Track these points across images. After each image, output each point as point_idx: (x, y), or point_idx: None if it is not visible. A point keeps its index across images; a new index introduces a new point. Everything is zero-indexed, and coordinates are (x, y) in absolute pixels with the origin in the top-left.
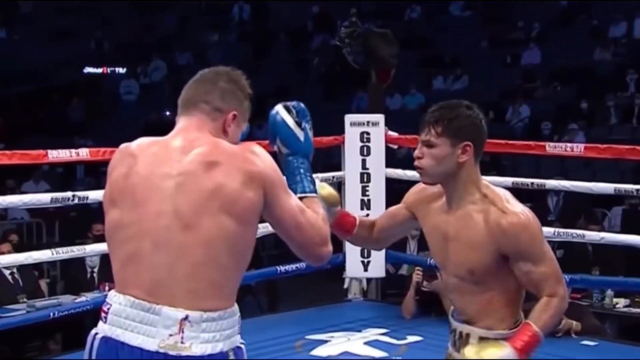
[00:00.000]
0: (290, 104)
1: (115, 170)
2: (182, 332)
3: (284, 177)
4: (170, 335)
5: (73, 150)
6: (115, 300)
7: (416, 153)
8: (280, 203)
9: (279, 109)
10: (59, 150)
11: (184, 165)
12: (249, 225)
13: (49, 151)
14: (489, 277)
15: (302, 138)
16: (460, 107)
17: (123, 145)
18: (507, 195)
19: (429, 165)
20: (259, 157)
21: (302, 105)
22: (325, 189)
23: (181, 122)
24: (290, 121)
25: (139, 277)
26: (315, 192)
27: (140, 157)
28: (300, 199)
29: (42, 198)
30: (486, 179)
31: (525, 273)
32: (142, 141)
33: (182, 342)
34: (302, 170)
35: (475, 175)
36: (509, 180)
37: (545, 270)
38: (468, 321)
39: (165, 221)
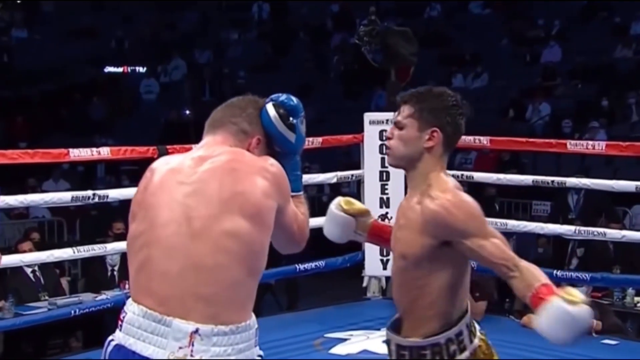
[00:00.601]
0: (280, 99)
1: (139, 187)
2: (192, 345)
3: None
4: (180, 347)
5: (94, 149)
6: (130, 309)
7: (387, 133)
8: (285, 212)
9: (268, 108)
10: (80, 149)
11: (199, 174)
12: (267, 230)
13: (71, 150)
14: (421, 267)
15: (291, 139)
16: (436, 92)
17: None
18: (451, 186)
19: (395, 146)
20: (275, 167)
21: (292, 100)
22: (356, 206)
23: (205, 139)
24: (278, 122)
25: (150, 286)
26: (301, 189)
27: (157, 170)
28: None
29: (63, 196)
30: (506, 177)
31: (479, 247)
32: (165, 157)
33: (191, 355)
34: (296, 171)
35: (438, 165)
36: (529, 178)
37: (495, 242)
38: (401, 315)
39: (175, 228)
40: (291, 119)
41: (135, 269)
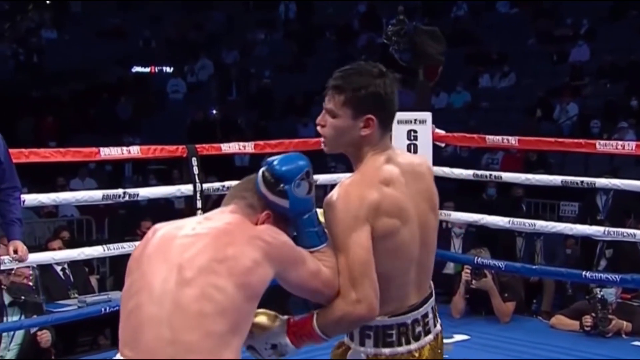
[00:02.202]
0: (270, 165)
1: (139, 244)
2: None
3: (297, 249)
4: None
5: (124, 148)
6: None
7: (318, 120)
8: (292, 275)
9: (258, 179)
10: (111, 148)
11: (197, 231)
12: (252, 299)
13: (101, 149)
14: None
15: (284, 204)
16: (367, 74)
17: None
18: (370, 178)
19: (330, 135)
20: (271, 237)
21: (284, 165)
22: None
23: (217, 209)
24: (266, 191)
25: (135, 334)
26: (323, 241)
27: (159, 229)
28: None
29: (94, 195)
30: (535, 177)
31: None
32: (170, 222)
33: None
34: (304, 228)
35: (372, 151)
36: (558, 178)
37: (341, 261)
38: None
39: (165, 274)
40: (282, 185)
41: (124, 317)
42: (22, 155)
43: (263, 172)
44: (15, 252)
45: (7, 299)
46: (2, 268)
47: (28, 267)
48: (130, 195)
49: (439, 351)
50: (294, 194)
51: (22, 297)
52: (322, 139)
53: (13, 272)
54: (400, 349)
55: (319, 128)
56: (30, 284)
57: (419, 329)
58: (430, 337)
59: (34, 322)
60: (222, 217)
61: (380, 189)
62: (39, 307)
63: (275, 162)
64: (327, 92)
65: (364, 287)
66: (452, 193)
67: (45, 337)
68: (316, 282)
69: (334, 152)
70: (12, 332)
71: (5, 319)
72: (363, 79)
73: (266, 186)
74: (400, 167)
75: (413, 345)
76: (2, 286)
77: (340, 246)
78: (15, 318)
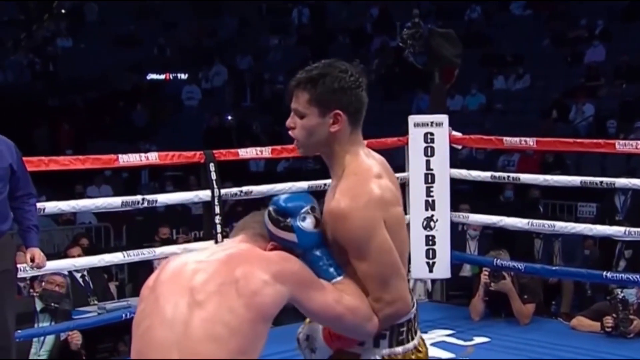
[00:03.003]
0: (275, 202)
1: (153, 274)
2: None
3: (314, 276)
4: None
5: (142, 155)
6: None
7: (288, 122)
8: (310, 303)
9: (265, 218)
10: (129, 155)
11: (209, 257)
12: (263, 320)
13: (120, 156)
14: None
15: (292, 239)
16: (330, 70)
17: None
18: (364, 174)
19: (301, 136)
20: (287, 261)
21: (288, 201)
22: None
23: (227, 240)
24: (272, 227)
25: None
26: (339, 274)
27: (173, 259)
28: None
29: (113, 202)
30: (553, 178)
31: (352, 265)
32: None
33: None
34: (317, 263)
35: (349, 145)
36: (577, 179)
37: (366, 269)
38: None
39: (176, 298)
40: (288, 220)
41: (135, 339)
42: (42, 163)
43: (269, 210)
44: (32, 259)
45: (39, 305)
46: (22, 275)
47: (60, 274)
48: (149, 201)
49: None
50: (300, 228)
51: (53, 304)
52: (294, 144)
53: (45, 279)
54: (409, 345)
55: (290, 131)
56: (62, 291)
57: (417, 322)
58: (415, 342)
59: (56, 329)
60: (232, 244)
61: (379, 183)
62: (68, 315)
63: (279, 199)
64: (292, 92)
65: (396, 288)
66: (467, 195)
67: (76, 338)
68: (340, 307)
69: (309, 155)
70: (42, 338)
71: (36, 325)
72: (326, 75)
73: (272, 222)
74: (377, 160)
75: (417, 340)
76: (35, 293)
77: (363, 253)
78: (46, 324)
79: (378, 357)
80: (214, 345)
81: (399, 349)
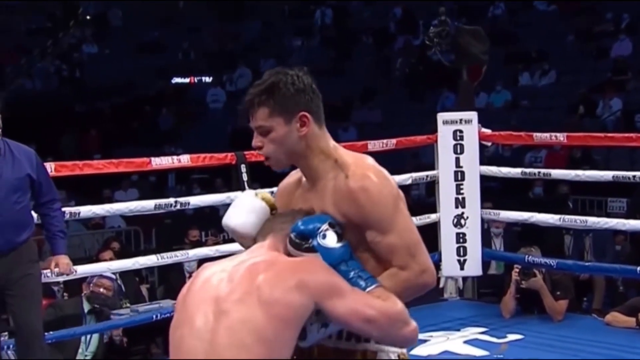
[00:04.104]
0: (294, 229)
1: (185, 285)
2: None
3: (341, 282)
4: None
5: (174, 157)
6: None
7: (254, 143)
8: (337, 310)
9: (288, 246)
10: (162, 158)
11: (235, 266)
12: (288, 327)
13: (152, 159)
14: None
15: (320, 257)
16: (279, 77)
17: None
18: (363, 159)
19: (272, 151)
20: (312, 269)
21: (304, 224)
22: (272, 199)
23: (255, 245)
24: (295, 252)
25: None
26: (370, 284)
27: (205, 268)
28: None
29: (146, 205)
30: (585, 173)
31: (373, 243)
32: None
33: None
34: (349, 275)
35: (323, 141)
36: (609, 174)
37: (394, 241)
38: None
39: (205, 308)
40: (310, 240)
41: (171, 351)
42: (77, 167)
43: (290, 237)
44: (56, 266)
45: (86, 307)
46: (56, 279)
47: (108, 277)
48: (181, 204)
49: None
50: (322, 245)
51: (99, 306)
52: (266, 162)
53: (94, 281)
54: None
55: (257, 152)
56: (109, 294)
57: None
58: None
59: (87, 330)
60: (259, 252)
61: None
62: (108, 317)
63: (297, 224)
64: (248, 112)
65: (425, 258)
66: (495, 193)
67: (115, 332)
68: (370, 310)
69: (284, 167)
70: (88, 340)
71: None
72: (278, 82)
73: (295, 247)
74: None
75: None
76: (83, 294)
77: (390, 225)
78: (96, 324)
79: (394, 357)
80: (240, 352)
81: (405, 350)
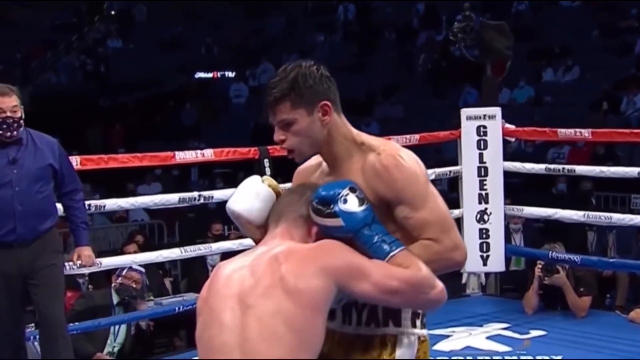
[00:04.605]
0: (315, 196)
1: (205, 285)
2: None
3: (361, 259)
4: None
5: (198, 151)
6: None
7: (276, 137)
8: (361, 289)
9: (311, 212)
10: (186, 152)
11: (254, 261)
12: (315, 313)
13: (177, 153)
14: None
15: (339, 224)
16: (296, 69)
17: None
18: (389, 142)
19: (297, 144)
20: (330, 253)
21: (325, 190)
22: (276, 184)
23: (268, 234)
24: (318, 219)
25: None
26: (395, 247)
27: (222, 266)
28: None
29: (171, 198)
30: (609, 170)
31: (405, 219)
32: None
33: None
34: (373, 240)
35: (344, 127)
36: (634, 170)
37: (426, 216)
38: None
39: (231, 305)
40: (332, 206)
41: (201, 354)
42: (102, 161)
43: (312, 204)
44: (79, 258)
45: (115, 299)
46: (81, 272)
47: (137, 270)
48: (205, 197)
49: None
50: (343, 210)
51: (126, 298)
52: (289, 155)
53: (123, 274)
54: (426, 331)
55: (281, 146)
56: (137, 287)
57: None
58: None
59: (110, 321)
60: (274, 242)
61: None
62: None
63: (319, 190)
64: (268, 109)
65: (457, 235)
66: (517, 189)
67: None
68: (394, 282)
69: (307, 158)
70: (116, 332)
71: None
72: (297, 76)
73: (316, 213)
74: None
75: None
76: (112, 286)
77: (421, 200)
78: (122, 315)
79: (414, 338)
80: (272, 344)
81: (426, 332)
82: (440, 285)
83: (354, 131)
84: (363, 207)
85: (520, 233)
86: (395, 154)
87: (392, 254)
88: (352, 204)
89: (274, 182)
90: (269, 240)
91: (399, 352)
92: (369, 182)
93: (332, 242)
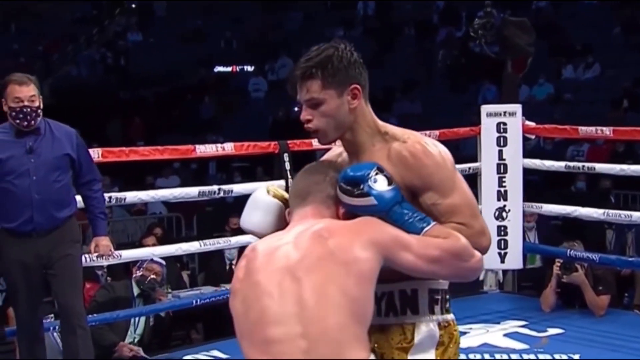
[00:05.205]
0: (342, 177)
1: (239, 265)
2: None
3: (401, 232)
4: None
5: (219, 145)
6: None
7: (303, 116)
8: (403, 259)
9: (338, 194)
10: (206, 145)
11: (297, 238)
12: (366, 285)
13: (197, 146)
14: None
15: (370, 202)
16: (331, 50)
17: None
18: (412, 131)
19: (324, 125)
20: (371, 226)
21: (353, 170)
22: (281, 192)
23: (296, 214)
24: (348, 199)
25: (265, 338)
26: (428, 223)
27: (258, 246)
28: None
29: (190, 191)
30: (630, 168)
31: (433, 205)
32: (264, 239)
33: None
34: (405, 217)
35: (370, 115)
36: None
37: (455, 201)
38: (389, 279)
39: (279, 278)
40: (360, 186)
41: (246, 333)
42: (123, 154)
43: (339, 185)
44: (96, 248)
45: (135, 290)
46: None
47: (158, 263)
48: (224, 191)
49: None
50: (375, 189)
51: (147, 290)
52: (313, 135)
53: (144, 266)
54: (452, 316)
55: (306, 125)
56: (158, 279)
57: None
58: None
59: (129, 313)
60: (309, 221)
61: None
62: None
63: (345, 172)
64: (297, 84)
65: (483, 221)
66: (533, 186)
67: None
68: (435, 251)
69: (332, 142)
70: (136, 322)
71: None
72: (331, 55)
73: (346, 194)
74: None
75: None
76: (133, 277)
77: (450, 186)
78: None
79: (433, 325)
80: (332, 310)
81: (449, 317)
82: (478, 254)
83: (379, 121)
84: (392, 187)
85: (534, 231)
86: (421, 141)
87: (426, 228)
88: (381, 183)
89: (278, 191)
90: (301, 219)
91: (417, 339)
92: (395, 170)
93: (371, 218)
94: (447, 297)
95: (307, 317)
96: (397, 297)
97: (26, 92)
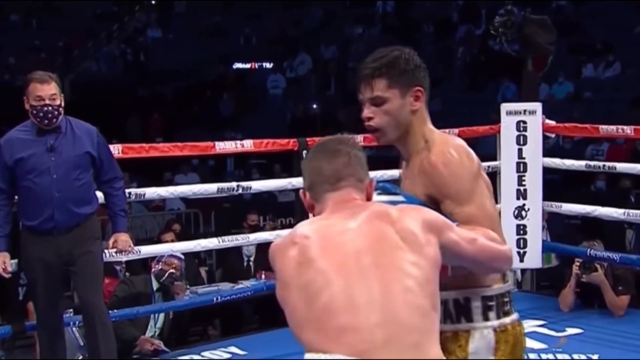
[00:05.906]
0: (379, 187)
1: (282, 256)
2: None
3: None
4: None
5: (238, 142)
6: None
7: (365, 114)
8: (453, 238)
9: (378, 198)
10: (225, 142)
11: (353, 225)
12: (435, 269)
13: (216, 143)
14: None
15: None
16: (398, 52)
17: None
18: (451, 138)
19: (385, 123)
20: (420, 210)
21: (382, 182)
22: None
23: (330, 199)
24: (389, 198)
25: (344, 328)
26: (453, 222)
27: (308, 234)
28: None
29: (209, 188)
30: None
31: (451, 214)
32: (308, 226)
33: None
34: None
35: (425, 122)
36: None
37: (474, 212)
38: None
39: (345, 261)
40: (394, 192)
41: (314, 319)
42: (143, 150)
43: (381, 192)
44: (115, 244)
45: (155, 285)
46: (119, 259)
47: (177, 257)
48: (243, 188)
49: None
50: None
51: (166, 283)
52: (373, 133)
53: (163, 260)
54: (514, 316)
55: (367, 123)
56: (177, 273)
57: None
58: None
59: (148, 310)
60: (357, 205)
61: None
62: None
63: (380, 184)
64: (362, 83)
65: (502, 232)
66: (552, 185)
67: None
68: (471, 233)
69: (391, 142)
70: (156, 317)
71: (153, 303)
72: (399, 57)
73: (391, 198)
74: None
75: (516, 314)
76: (152, 272)
77: (470, 195)
78: (160, 303)
79: (489, 331)
80: (407, 298)
81: (507, 320)
82: (507, 244)
83: (430, 127)
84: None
85: (545, 230)
86: (445, 150)
87: (456, 223)
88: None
89: None
90: (339, 205)
91: (472, 347)
92: (421, 179)
93: (415, 205)
94: (506, 299)
95: (383, 305)
96: (452, 304)
97: (47, 90)
